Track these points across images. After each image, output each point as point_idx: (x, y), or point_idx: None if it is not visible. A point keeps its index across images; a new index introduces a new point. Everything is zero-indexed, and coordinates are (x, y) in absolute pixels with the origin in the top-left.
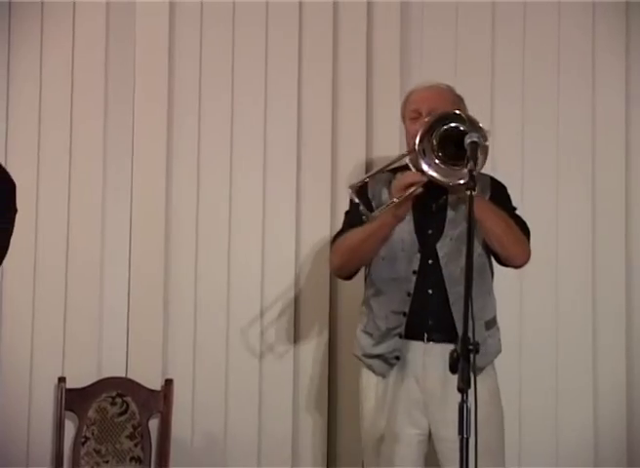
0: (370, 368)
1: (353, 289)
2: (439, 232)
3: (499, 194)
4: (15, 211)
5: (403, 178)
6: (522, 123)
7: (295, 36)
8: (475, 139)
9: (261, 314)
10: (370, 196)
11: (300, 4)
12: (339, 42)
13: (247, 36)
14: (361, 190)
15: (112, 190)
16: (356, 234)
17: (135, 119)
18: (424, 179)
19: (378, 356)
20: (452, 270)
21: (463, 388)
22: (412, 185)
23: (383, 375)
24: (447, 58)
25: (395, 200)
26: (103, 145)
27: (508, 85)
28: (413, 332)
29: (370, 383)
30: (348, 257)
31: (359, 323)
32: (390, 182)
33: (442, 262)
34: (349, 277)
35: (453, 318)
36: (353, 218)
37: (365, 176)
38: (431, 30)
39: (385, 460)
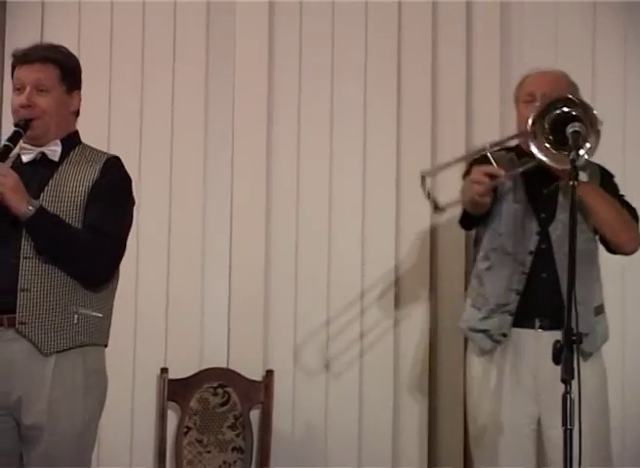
0: (474, 342)
1: (454, 270)
2: (551, 216)
3: (607, 181)
4: (132, 203)
5: (489, 168)
6: (624, 116)
7: (394, 35)
8: (577, 129)
9: (361, 303)
10: None
11: (400, 3)
12: (438, 38)
13: (346, 35)
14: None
15: (213, 182)
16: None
17: (234, 117)
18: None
19: (483, 331)
20: (563, 255)
21: (567, 379)
22: (490, 176)
23: (488, 352)
24: (547, 51)
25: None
26: (204, 144)
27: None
28: (523, 315)
29: (474, 364)
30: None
31: (467, 297)
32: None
33: (554, 247)
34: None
35: (563, 304)
36: None
37: (445, 163)
38: (531, 24)
39: (492, 450)
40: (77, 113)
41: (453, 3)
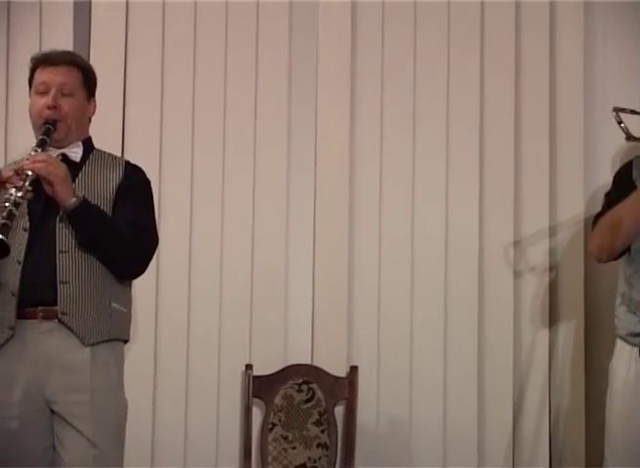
0: (633, 346)
1: (610, 277)
2: None
3: None
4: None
5: None
6: None
7: (477, 34)
8: None
9: (445, 298)
10: (634, 177)
11: (482, 4)
12: (521, 43)
13: (428, 36)
14: (624, 171)
15: (296, 181)
16: (618, 211)
17: (317, 117)
18: None
19: None
20: None
21: None
22: None
23: None
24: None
25: None
26: (287, 144)
27: None
28: None
29: (630, 370)
30: (612, 236)
31: (621, 304)
32: None
33: None
34: (611, 258)
35: None
36: (613, 199)
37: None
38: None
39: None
40: (90, 120)
41: (536, 4)
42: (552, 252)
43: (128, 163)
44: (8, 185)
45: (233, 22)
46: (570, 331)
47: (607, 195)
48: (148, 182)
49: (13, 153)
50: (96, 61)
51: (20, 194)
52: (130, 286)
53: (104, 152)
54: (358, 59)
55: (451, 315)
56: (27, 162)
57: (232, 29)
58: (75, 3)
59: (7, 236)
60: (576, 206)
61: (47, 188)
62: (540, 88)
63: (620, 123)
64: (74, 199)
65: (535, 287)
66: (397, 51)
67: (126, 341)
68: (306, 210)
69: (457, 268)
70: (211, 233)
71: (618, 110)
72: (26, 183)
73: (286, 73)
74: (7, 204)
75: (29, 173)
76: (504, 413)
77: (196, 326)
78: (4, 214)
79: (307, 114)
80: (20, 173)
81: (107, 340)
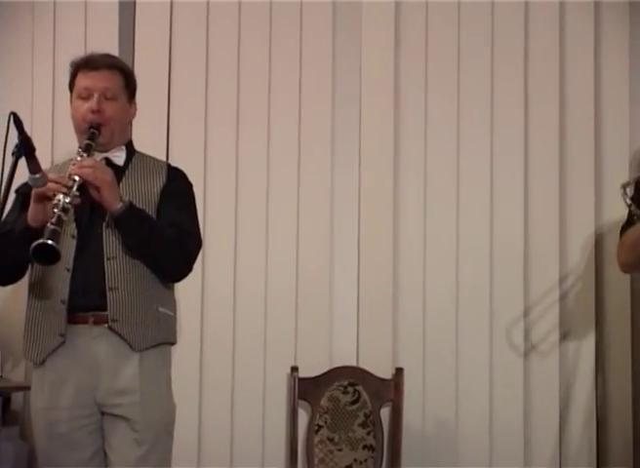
0: None
1: (619, 285)
2: None
3: None
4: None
5: None
6: None
7: (521, 34)
8: None
9: (490, 298)
10: None
11: (527, 4)
12: (565, 44)
13: (472, 34)
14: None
15: (341, 184)
16: (637, 230)
17: (361, 117)
18: None
19: None
20: None
21: None
22: None
23: None
24: None
25: None
26: (331, 144)
27: None
28: None
29: None
30: (632, 253)
31: None
32: None
33: None
34: (637, 272)
35: None
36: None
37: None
38: None
39: None
40: (131, 123)
41: (579, 4)
42: (597, 254)
43: (170, 166)
44: (55, 191)
45: (277, 22)
46: (616, 330)
47: (632, 199)
48: (191, 185)
49: (59, 155)
50: (140, 61)
51: (67, 200)
52: (173, 289)
53: (146, 155)
54: (402, 59)
55: (496, 315)
56: (74, 167)
57: (276, 29)
58: (120, 3)
59: (57, 241)
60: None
61: (94, 193)
62: (585, 90)
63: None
64: (121, 204)
65: (580, 288)
66: (441, 50)
67: (173, 344)
68: (351, 211)
69: (502, 268)
70: (256, 236)
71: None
72: (74, 189)
73: (329, 73)
74: (55, 210)
75: (76, 178)
76: (551, 414)
77: (242, 328)
78: (53, 219)
79: (351, 114)
80: (67, 178)
81: (157, 345)
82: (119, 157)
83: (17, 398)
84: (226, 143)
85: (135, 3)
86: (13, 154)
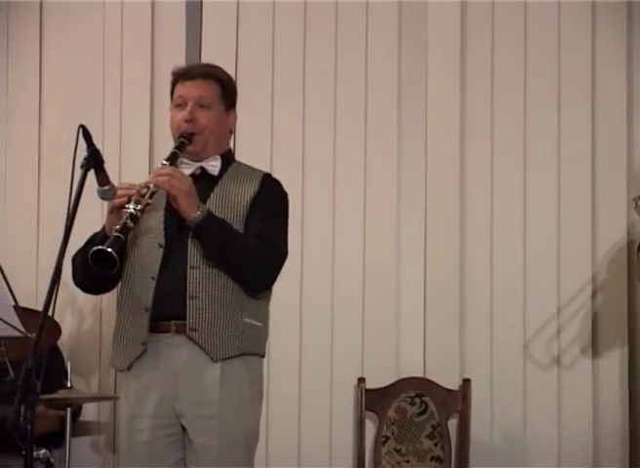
0: None
1: None
2: None
3: None
4: (288, 217)
5: None
6: None
7: (588, 36)
8: None
9: (557, 312)
10: None
11: (593, 4)
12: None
13: (539, 34)
14: None
15: (407, 191)
16: None
17: (428, 118)
18: None
19: None
20: None
21: None
22: None
23: None
24: None
25: None
26: (398, 147)
27: None
28: None
29: None
30: None
31: None
32: None
33: None
34: None
35: None
36: None
37: None
38: None
39: None
40: (231, 132)
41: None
42: (630, 267)
43: (265, 176)
44: (125, 199)
45: (343, 22)
46: None
47: None
48: (284, 195)
49: (127, 167)
50: (207, 60)
51: (139, 207)
52: (265, 299)
53: (244, 165)
54: (468, 59)
55: (565, 325)
56: (151, 175)
57: (342, 29)
58: (187, 3)
59: (117, 249)
60: None
61: (172, 202)
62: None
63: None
64: (198, 213)
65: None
66: (507, 50)
67: (263, 356)
68: (417, 222)
69: (569, 279)
70: (322, 248)
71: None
72: (147, 196)
73: (395, 74)
74: (124, 216)
75: (150, 186)
76: (621, 427)
77: (309, 340)
78: (118, 226)
79: (417, 120)
80: (144, 186)
81: (239, 355)
82: (214, 166)
83: (87, 409)
84: (292, 148)
85: (202, 3)
86: (82, 166)
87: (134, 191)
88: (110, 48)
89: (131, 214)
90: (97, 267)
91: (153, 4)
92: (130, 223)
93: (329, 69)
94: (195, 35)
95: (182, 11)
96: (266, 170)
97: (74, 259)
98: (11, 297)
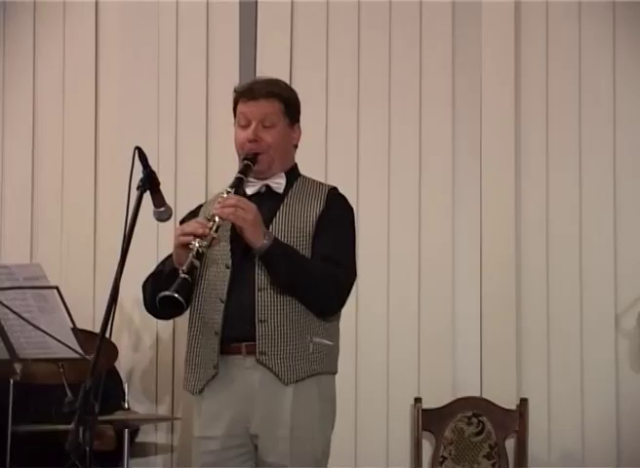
0: None
1: None
2: None
3: None
4: (354, 232)
5: None
6: None
7: None
8: None
9: (616, 326)
10: None
11: (613, 3)
12: None
13: (593, 34)
14: None
15: (461, 202)
16: None
17: (482, 120)
18: None
19: None
20: None
21: None
22: None
23: None
24: None
25: None
26: (452, 152)
27: None
28: None
29: None
30: None
31: None
32: None
33: None
34: None
35: None
36: None
37: None
38: None
39: None
40: (296, 146)
41: None
42: None
43: (330, 191)
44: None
45: (396, 22)
46: None
47: None
48: (350, 210)
49: (183, 189)
50: (262, 62)
51: (204, 243)
52: (337, 319)
53: (309, 179)
54: (522, 58)
55: (621, 344)
56: (217, 206)
57: (396, 30)
58: (241, 3)
59: (183, 294)
60: None
61: (239, 231)
62: None
63: None
64: (264, 241)
65: None
66: (562, 49)
67: (335, 373)
68: (473, 235)
69: (627, 293)
70: (377, 265)
71: None
72: (212, 231)
73: (450, 74)
74: (190, 255)
75: (216, 219)
76: None
77: (365, 360)
78: (184, 267)
79: (472, 122)
80: (209, 218)
81: (310, 376)
82: (279, 184)
83: (144, 430)
84: (346, 151)
85: (256, 3)
86: (138, 188)
87: (201, 229)
88: (165, 49)
89: (197, 251)
90: (164, 310)
91: (207, 4)
92: (196, 262)
93: (383, 70)
94: (250, 36)
95: (236, 12)
96: (321, 174)
97: (144, 286)
98: (69, 319)
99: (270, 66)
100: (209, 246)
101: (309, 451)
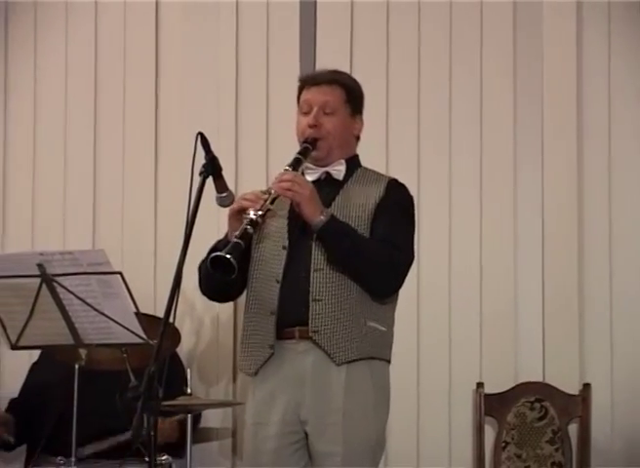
0: None
1: None
2: None
3: None
4: (414, 222)
5: None
6: None
7: None
8: None
9: None
10: None
11: None
12: None
13: None
14: None
15: (524, 199)
16: None
17: (544, 116)
18: None
19: None
20: None
21: None
22: None
23: None
24: None
25: None
26: (514, 149)
27: None
28: None
29: None
30: None
31: None
32: None
33: None
34: None
35: None
36: None
37: None
38: None
39: None
40: (358, 138)
41: None
42: None
43: (391, 181)
44: (246, 206)
45: (457, 21)
46: None
47: None
48: (410, 199)
49: (244, 174)
50: (321, 60)
51: (259, 212)
52: (391, 304)
53: (370, 170)
54: (584, 57)
55: None
56: (273, 181)
57: (456, 29)
58: (301, 3)
59: (236, 255)
60: None
61: (295, 207)
62: None
63: None
64: (322, 217)
65: None
66: (625, 48)
67: (389, 361)
68: (535, 224)
69: None
70: (438, 251)
71: None
72: (267, 202)
73: (511, 71)
74: (244, 222)
75: (272, 192)
76: None
77: (426, 345)
78: (237, 233)
79: (533, 123)
80: (265, 192)
81: (363, 358)
82: (339, 171)
83: (205, 415)
84: (407, 148)
85: (315, 3)
86: (200, 174)
87: (256, 199)
88: (225, 48)
89: (251, 219)
90: (216, 273)
91: (268, 4)
92: (250, 229)
93: (443, 68)
94: (309, 35)
95: (297, 11)
96: (381, 169)
97: (200, 268)
98: (132, 305)
99: (330, 64)
100: (263, 216)
101: (363, 439)
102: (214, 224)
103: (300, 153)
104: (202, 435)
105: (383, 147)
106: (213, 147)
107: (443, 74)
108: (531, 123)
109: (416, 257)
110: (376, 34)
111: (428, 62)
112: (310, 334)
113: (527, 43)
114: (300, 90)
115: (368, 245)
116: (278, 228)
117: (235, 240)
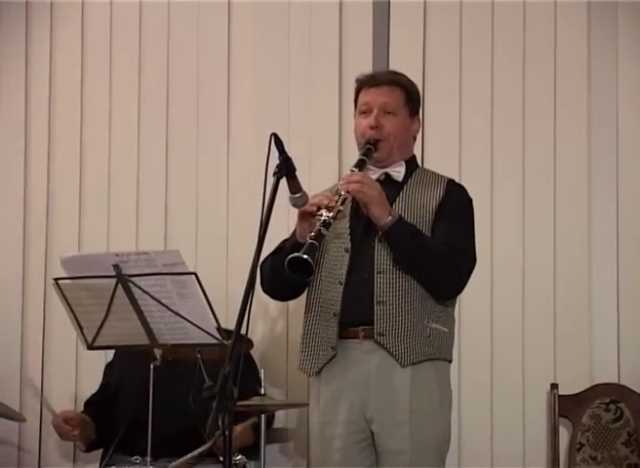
0: None
1: None
2: None
3: None
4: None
5: None
6: None
7: None
8: None
9: None
10: None
11: None
12: None
13: None
14: None
15: (598, 192)
16: None
17: (619, 117)
18: None
19: None
20: None
21: None
22: None
23: None
24: None
25: None
26: (588, 151)
27: None
28: None
29: None
30: None
31: None
32: None
33: None
34: None
35: None
36: None
37: None
38: None
39: None
40: (415, 138)
41: None
42: None
43: (450, 182)
44: (318, 207)
45: (531, 20)
46: None
47: None
48: (469, 201)
49: (316, 175)
50: (394, 61)
51: (331, 214)
52: (452, 305)
53: (429, 171)
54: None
55: None
56: (342, 182)
57: (530, 28)
58: (374, 3)
59: (313, 256)
60: None
61: (363, 208)
62: None
63: None
64: (390, 218)
65: None
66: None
67: (450, 361)
68: (608, 221)
69: None
70: (512, 253)
71: None
72: (338, 203)
73: (585, 72)
74: (317, 224)
75: (342, 193)
76: None
77: (500, 345)
78: (312, 234)
79: (607, 125)
80: (335, 192)
81: (427, 360)
82: (398, 172)
83: (277, 416)
84: (480, 149)
85: (389, 3)
86: (274, 175)
87: (327, 200)
88: (297, 49)
89: (324, 220)
90: (293, 275)
91: (341, 4)
92: (324, 230)
93: (517, 70)
94: (383, 36)
95: (370, 11)
96: (455, 174)
97: (262, 266)
98: (207, 305)
99: (403, 65)
100: (335, 218)
101: (431, 437)
102: (284, 225)
103: (363, 154)
104: (276, 436)
105: (456, 145)
106: (286, 147)
107: (517, 73)
108: (605, 122)
109: (489, 257)
110: (449, 34)
111: (501, 62)
112: (376, 338)
113: (601, 44)
114: (358, 91)
115: (434, 246)
116: (341, 231)
117: (311, 241)
